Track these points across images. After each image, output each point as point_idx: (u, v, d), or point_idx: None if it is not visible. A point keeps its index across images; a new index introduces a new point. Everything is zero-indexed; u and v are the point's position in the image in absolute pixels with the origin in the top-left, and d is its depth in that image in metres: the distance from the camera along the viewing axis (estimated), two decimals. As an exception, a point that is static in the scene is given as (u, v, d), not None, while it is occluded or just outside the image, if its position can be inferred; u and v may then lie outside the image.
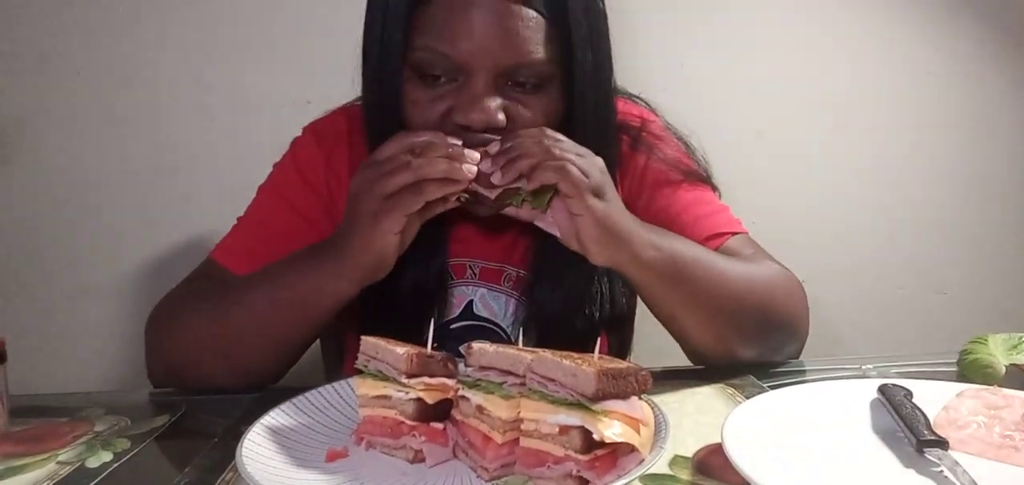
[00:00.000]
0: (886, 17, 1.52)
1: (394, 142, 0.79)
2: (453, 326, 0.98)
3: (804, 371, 0.92)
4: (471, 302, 0.99)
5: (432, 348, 0.73)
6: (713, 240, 0.95)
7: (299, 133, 1.07)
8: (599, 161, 0.81)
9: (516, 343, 0.74)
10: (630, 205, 1.00)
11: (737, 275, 0.89)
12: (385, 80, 0.87)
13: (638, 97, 1.08)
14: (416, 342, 0.73)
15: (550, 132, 0.80)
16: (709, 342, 0.90)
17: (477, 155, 0.79)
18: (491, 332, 0.98)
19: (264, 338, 0.88)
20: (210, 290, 0.92)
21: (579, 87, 0.87)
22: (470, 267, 1.00)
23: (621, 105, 1.05)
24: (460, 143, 0.79)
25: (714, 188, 1.02)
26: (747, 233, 0.99)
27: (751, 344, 0.91)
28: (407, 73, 0.86)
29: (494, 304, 1.00)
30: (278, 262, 0.89)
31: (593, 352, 0.66)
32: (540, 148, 0.77)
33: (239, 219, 1.02)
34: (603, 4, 0.90)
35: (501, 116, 0.83)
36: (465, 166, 0.77)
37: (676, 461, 0.68)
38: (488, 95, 0.83)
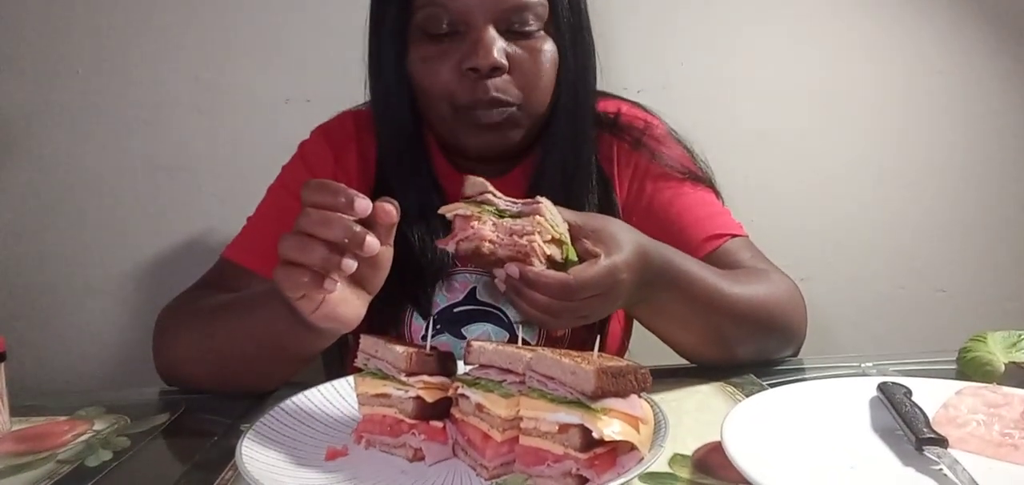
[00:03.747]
0: (886, 16, 1.52)
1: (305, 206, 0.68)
2: (456, 310, 0.99)
3: (804, 369, 0.92)
4: (474, 289, 0.99)
5: (432, 337, 0.73)
6: (712, 241, 0.95)
7: (302, 132, 1.08)
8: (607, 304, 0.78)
9: (517, 331, 0.74)
10: (631, 204, 1.00)
11: (736, 297, 0.86)
12: (393, 52, 0.92)
13: (638, 103, 1.08)
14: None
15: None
16: (704, 355, 0.92)
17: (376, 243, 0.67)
18: (493, 316, 0.98)
19: (249, 364, 0.87)
20: (203, 309, 0.91)
21: (561, 42, 0.93)
22: None
23: (625, 107, 1.06)
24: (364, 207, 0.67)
25: (716, 191, 1.03)
26: (747, 236, 0.99)
27: (749, 355, 0.92)
28: (413, 36, 0.92)
29: (497, 291, 1.00)
30: (261, 294, 0.83)
31: (593, 350, 0.66)
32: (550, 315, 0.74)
33: (249, 218, 1.03)
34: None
35: (504, 60, 0.89)
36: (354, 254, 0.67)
37: (675, 459, 0.68)
38: (491, 39, 0.88)
